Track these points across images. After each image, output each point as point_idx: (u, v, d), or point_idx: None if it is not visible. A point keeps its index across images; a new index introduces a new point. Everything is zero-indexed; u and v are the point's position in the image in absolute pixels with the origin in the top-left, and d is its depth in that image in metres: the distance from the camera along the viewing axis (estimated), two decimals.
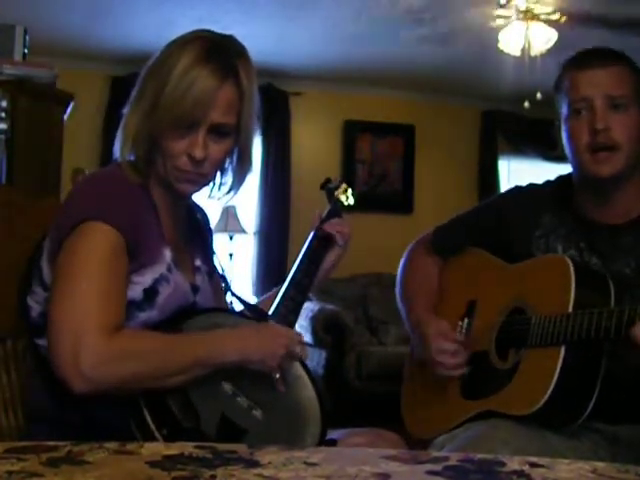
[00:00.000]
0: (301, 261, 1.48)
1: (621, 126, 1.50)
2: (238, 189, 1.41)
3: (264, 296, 1.59)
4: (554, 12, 4.34)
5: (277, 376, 1.26)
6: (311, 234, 1.53)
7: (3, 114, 2.59)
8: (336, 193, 1.63)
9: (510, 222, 1.69)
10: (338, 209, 1.60)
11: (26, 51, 2.86)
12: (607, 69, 1.53)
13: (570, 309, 1.46)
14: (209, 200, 1.44)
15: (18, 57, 2.82)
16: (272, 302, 1.42)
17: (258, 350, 1.23)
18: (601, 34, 4.36)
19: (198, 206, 1.51)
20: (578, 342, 1.42)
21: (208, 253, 1.49)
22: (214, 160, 1.29)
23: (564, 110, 1.57)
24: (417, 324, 1.69)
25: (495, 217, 1.72)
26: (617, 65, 1.54)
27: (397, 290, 1.84)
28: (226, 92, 1.25)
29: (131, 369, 1.14)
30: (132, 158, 1.30)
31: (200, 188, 1.34)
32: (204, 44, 1.26)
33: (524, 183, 1.77)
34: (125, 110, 1.30)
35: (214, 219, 5.23)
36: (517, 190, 1.75)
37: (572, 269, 1.48)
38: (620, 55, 1.57)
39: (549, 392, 1.41)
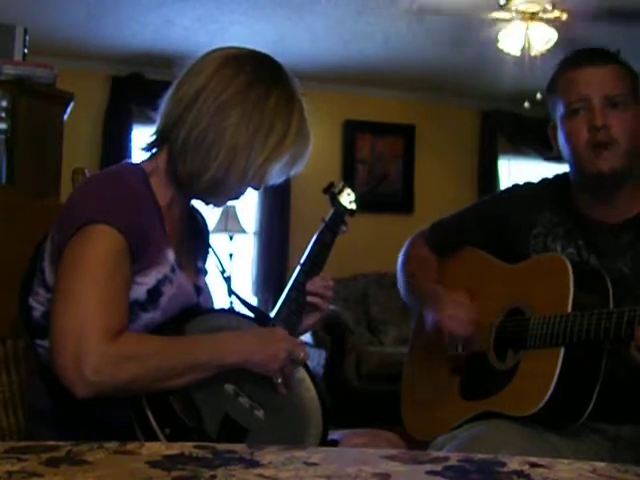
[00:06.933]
0: (304, 263, 1.48)
1: (619, 123, 1.52)
2: None
3: None
4: (555, 9, 4.33)
5: (279, 380, 1.26)
6: (314, 237, 1.53)
7: (3, 114, 2.59)
8: (339, 197, 1.63)
9: (507, 221, 1.69)
10: (341, 213, 1.60)
11: (26, 51, 2.86)
12: (603, 68, 1.53)
13: (569, 309, 1.46)
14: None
15: (18, 57, 2.82)
16: None
17: (260, 353, 1.23)
18: (601, 32, 4.35)
19: (196, 208, 1.51)
20: (577, 343, 1.42)
21: (207, 254, 1.49)
22: None
23: (560, 111, 1.57)
24: (427, 293, 1.70)
25: (492, 216, 1.72)
26: (612, 64, 1.55)
27: (398, 275, 1.85)
28: None
29: (133, 372, 1.14)
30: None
31: None
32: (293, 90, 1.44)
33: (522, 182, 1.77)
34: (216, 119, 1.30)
35: (214, 219, 5.23)
36: (514, 188, 1.76)
37: (570, 269, 1.48)
38: (613, 55, 1.58)
39: (549, 393, 1.41)
